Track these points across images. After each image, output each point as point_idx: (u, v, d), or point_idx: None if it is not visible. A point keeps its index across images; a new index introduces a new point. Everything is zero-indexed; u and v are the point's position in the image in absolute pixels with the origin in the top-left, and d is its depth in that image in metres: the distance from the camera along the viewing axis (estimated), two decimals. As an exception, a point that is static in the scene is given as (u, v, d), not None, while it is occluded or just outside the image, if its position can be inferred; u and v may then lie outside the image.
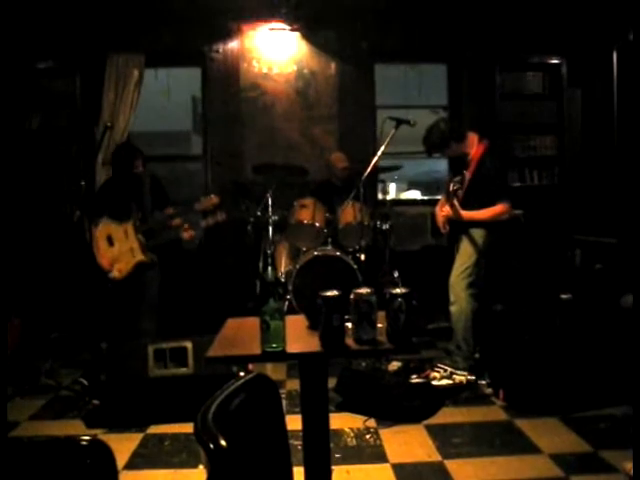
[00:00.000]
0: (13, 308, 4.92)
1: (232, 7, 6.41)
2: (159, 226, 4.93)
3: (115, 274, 4.74)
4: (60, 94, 6.37)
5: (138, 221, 4.85)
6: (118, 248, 4.77)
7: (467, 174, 4.42)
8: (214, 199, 4.93)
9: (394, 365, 4.40)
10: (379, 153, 4.91)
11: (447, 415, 3.90)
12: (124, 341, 4.22)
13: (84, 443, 1.45)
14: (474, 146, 4.50)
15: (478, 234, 4.43)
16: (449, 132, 4.46)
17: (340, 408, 3.97)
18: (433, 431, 3.65)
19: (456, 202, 4.32)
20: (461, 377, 4.34)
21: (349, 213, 5.45)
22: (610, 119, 6.21)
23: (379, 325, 2.15)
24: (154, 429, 3.76)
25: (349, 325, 2.14)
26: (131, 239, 4.79)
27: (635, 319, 2.70)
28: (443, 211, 4.50)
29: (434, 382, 4.26)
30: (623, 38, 5.96)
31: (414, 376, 4.26)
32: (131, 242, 4.78)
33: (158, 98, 6.95)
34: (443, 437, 3.55)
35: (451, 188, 4.26)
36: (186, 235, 4.94)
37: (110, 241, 4.77)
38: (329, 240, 5.52)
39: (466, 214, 4.38)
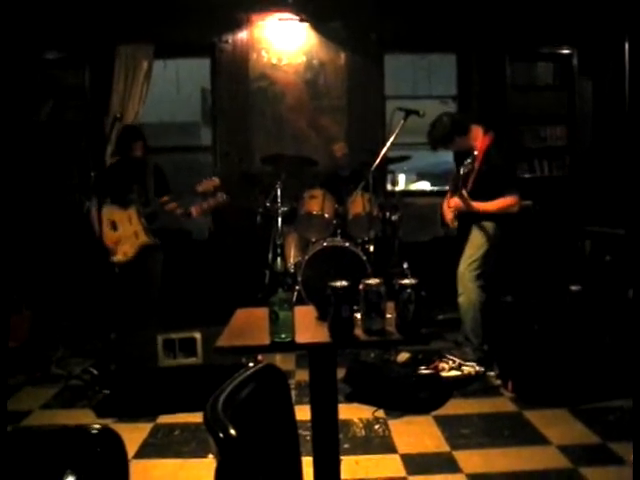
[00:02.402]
0: (23, 299, 4.96)
1: (241, -2, 6.42)
2: (157, 213, 5.01)
3: (119, 257, 4.81)
4: (69, 85, 6.40)
5: (141, 205, 4.91)
6: (122, 232, 4.85)
7: (476, 163, 4.39)
8: (215, 181, 4.97)
9: (403, 356, 4.40)
10: (388, 144, 4.90)
11: (456, 406, 3.90)
12: (133, 330, 4.24)
13: (95, 432, 1.46)
14: (479, 139, 4.47)
15: (487, 226, 4.42)
16: (452, 126, 4.43)
17: (349, 399, 3.98)
18: (442, 422, 3.65)
19: (465, 193, 4.30)
20: (470, 368, 4.33)
21: (358, 204, 5.44)
22: (621, 110, 6.17)
23: (388, 316, 2.15)
24: (164, 419, 3.77)
25: (358, 316, 2.14)
26: (134, 223, 4.87)
27: (635, 312, 2.69)
28: (451, 203, 4.46)
29: (443, 373, 4.25)
30: (635, 28, 5.91)
31: (423, 367, 4.26)
32: (135, 226, 4.87)
33: (167, 89, 6.96)
34: (452, 428, 3.55)
35: (462, 172, 4.22)
36: (194, 212, 4.98)
37: (114, 226, 4.84)
38: (338, 231, 5.53)
39: (475, 204, 4.36)
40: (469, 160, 4.27)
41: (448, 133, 4.43)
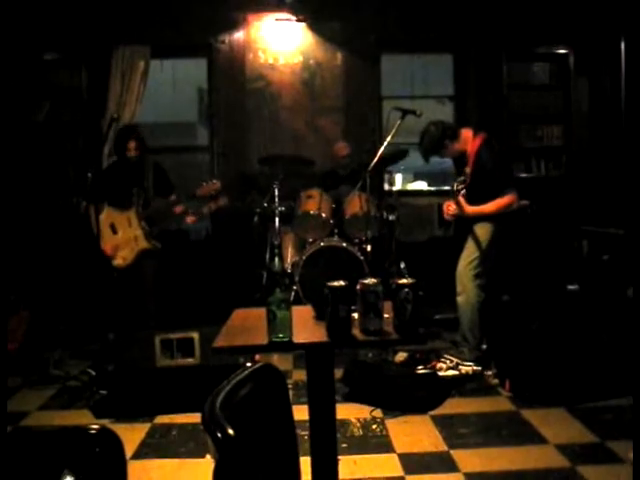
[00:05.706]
0: (22, 300, 4.95)
1: (238, -2, 6.42)
2: (161, 213, 4.98)
3: (119, 262, 4.80)
4: (66, 86, 6.40)
5: (140, 208, 4.88)
6: (122, 236, 4.82)
7: (468, 170, 4.41)
8: (216, 184, 4.93)
9: (400, 356, 4.41)
10: (385, 144, 4.90)
11: (453, 406, 3.90)
12: (131, 331, 4.23)
13: (93, 432, 1.46)
14: (470, 142, 4.48)
15: (485, 226, 4.42)
16: (441, 133, 4.45)
17: (347, 399, 3.98)
18: (439, 421, 3.65)
19: (461, 199, 4.31)
20: (467, 368, 4.34)
21: (355, 204, 5.44)
22: (618, 109, 6.18)
23: (386, 316, 2.15)
24: (161, 419, 3.78)
25: (355, 316, 2.14)
26: (134, 227, 4.84)
27: (635, 310, 2.69)
28: (450, 210, 4.47)
29: (440, 373, 4.26)
30: (631, 28, 5.91)
31: (420, 367, 4.27)
32: (135, 230, 4.84)
33: (164, 89, 6.96)
34: (449, 427, 3.56)
35: (455, 187, 4.25)
36: (189, 220, 5.03)
37: (113, 229, 4.82)
38: (335, 231, 5.53)
39: (471, 210, 4.36)
40: (462, 178, 4.29)
41: (438, 139, 4.44)
